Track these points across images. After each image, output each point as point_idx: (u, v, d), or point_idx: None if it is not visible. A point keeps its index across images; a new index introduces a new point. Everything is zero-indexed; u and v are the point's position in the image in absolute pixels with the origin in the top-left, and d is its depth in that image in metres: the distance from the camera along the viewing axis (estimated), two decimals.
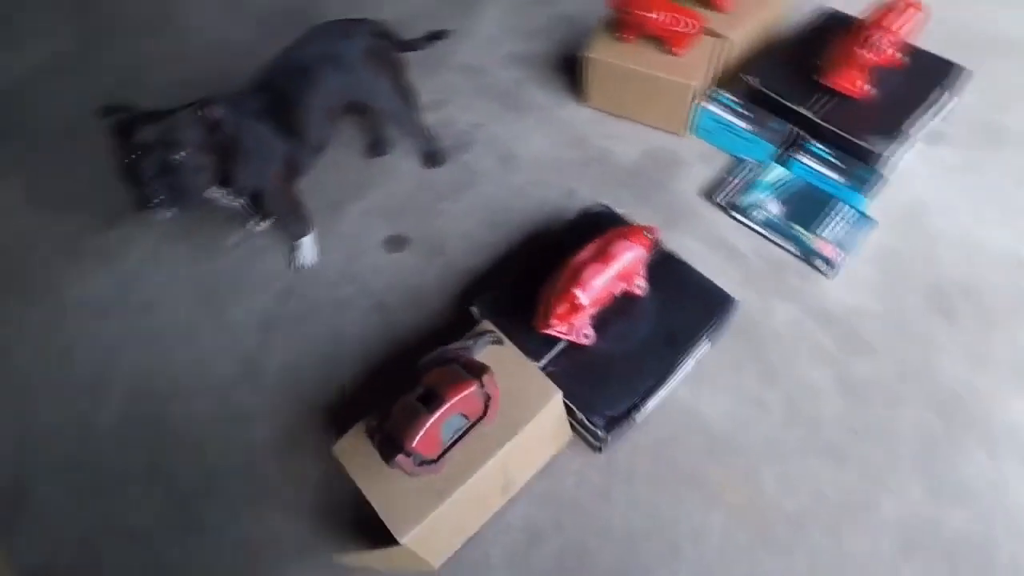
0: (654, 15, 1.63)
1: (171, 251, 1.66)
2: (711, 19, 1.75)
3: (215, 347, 1.50)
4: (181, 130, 1.14)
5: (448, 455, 1.07)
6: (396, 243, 1.64)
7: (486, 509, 1.23)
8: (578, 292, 1.17)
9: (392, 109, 1.55)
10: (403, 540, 1.04)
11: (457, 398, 1.01)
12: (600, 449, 1.29)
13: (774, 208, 1.57)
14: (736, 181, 1.65)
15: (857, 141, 1.57)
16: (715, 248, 1.58)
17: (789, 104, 1.64)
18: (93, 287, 1.61)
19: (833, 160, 1.59)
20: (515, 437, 1.12)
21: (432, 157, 1.76)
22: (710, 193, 1.66)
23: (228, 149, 1.24)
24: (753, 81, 1.69)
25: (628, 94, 1.77)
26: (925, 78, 1.66)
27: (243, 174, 1.28)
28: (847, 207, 1.55)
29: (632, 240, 1.22)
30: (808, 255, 1.51)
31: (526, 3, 2.24)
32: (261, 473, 1.33)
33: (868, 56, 1.55)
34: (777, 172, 1.63)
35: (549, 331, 1.22)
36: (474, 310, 1.35)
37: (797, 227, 1.53)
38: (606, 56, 1.72)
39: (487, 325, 1.27)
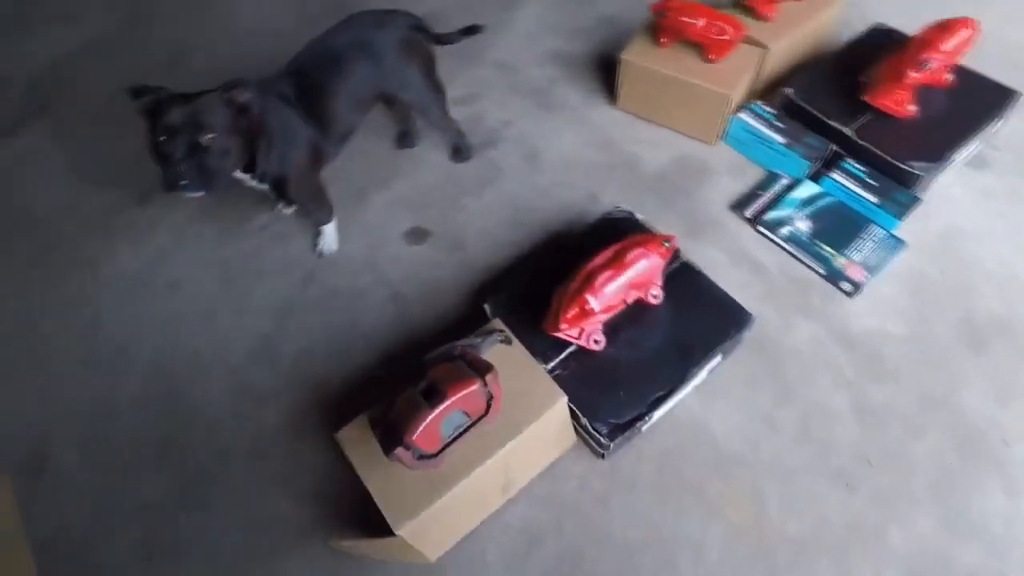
0: (694, 21, 1.60)
1: (198, 231, 1.70)
2: (754, 28, 1.71)
3: (234, 328, 1.53)
4: (209, 113, 1.16)
5: (448, 451, 1.08)
6: (417, 235, 1.66)
7: (485, 507, 1.23)
8: (589, 297, 1.16)
9: (421, 102, 1.55)
10: (399, 531, 1.05)
11: (459, 395, 1.02)
12: (603, 456, 1.29)
13: (802, 225, 1.53)
14: (766, 195, 1.61)
15: (896, 163, 1.52)
16: (738, 261, 1.55)
17: (827, 120, 1.60)
18: (122, 263, 1.66)
19: (868, 180, 1.55)
20: (517, 438, 1.12)
21: (459, 151, 1.76)
22: (738, 205, 1.63)
23: (254, 133, 1.26)
24: (792, 94, 1.65)
25: (661, 99, 1.74)
26: (974, 101, 1.60)
27: (268, 158, 1.30)
28: (878, 228, 1.50)
29: (648, 249, 1.20)
30: (833, 275, 1.47)
31: (569, 1, 2.22)
32: (269, 456, 1.36)
33: (916, 76, 1.50)
34: (809, 188, 1.59)
35: (558, 334, 1.22)
36: (487, 307, 1.35)
37: (824, 246, 1.49)
38: (641, 59, 1.70)
39: (497, 324, 1.27)
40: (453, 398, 1.02)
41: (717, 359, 1.30)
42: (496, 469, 1.14)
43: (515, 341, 1.24)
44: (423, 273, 1.59)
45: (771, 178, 1.65)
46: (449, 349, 1.17)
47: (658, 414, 1.26)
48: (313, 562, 1.23)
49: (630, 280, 1.19)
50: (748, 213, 1.59)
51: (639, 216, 1.46)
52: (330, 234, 1.61)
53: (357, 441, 1.15)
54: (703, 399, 1.36)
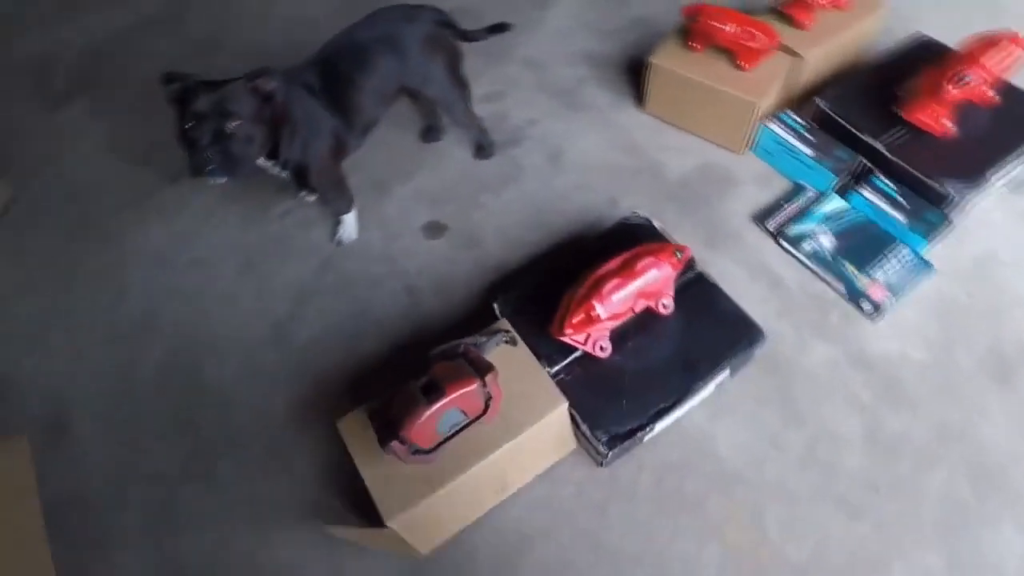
0: (726, 27, 1.57)
1: (224, 214, 1.74)
2: (789, 36, 1.67)
3: (252, 310, 1.56)
4: (234, 101, 1.18)
5: (444, 447, 1.08)
6: (435, 230, 1.66)
7: (480, 505, 1.24)
8: (596, 304, 1.15)
9: (444, 98, 1.56)
10: (390, 523, 1.06)
11: (457, 394, 1.02)
12: (603, 464, 1.28)
13: (826, 241, 1.49)
14: (790, 208, 1.57)
15: (929, 181, 1.46)
16: (757, 275, 1.52)
17: (859, 133, 1.55)
18: (150, 240, 1.71)
19: (898, 198, 1.50)
20: (514, 440, 1.12)
21: (481, 148, 1.76)
22: (761, 217, 1.59)
23: (278, 121, 1.28)
24: (823, 104, 1.60)
25: (689, 104, 1.71)
26: (1018, 120, 1.53)
27: (290, 146, 1.32)
28: (906, 249, 1.45)
29: (660, 258, 1.19)
30: (854, 295, 1.43)
31: (603, 1, 2.20)
32: (276, 437, 1.38)
33: (954, 91, 1.44)
34: (835, 204, 1.54)
35: (563, 339, 1.21)
36: (496, 306, 1.35)
37: (848, 264, 1.45)
38: (670, 63, 1.67)
39: (504, 324, 1.27)
40: (451, 396, 1.02)
41: (725, 374, 1.28)
42: (492, 469, 1.14)
43: (520, 342, 1.24)
44: (438, 267, 1.60)
45: (797, 190, 1.61)
46: (453, 346, 1.17)
47: (660, 426, 1.24)
48: (309, 545, 1.25)
49: (639, 289, 1.18)
50: (770, 226, 1.55)
51: (656, 223, 1.44)
52: (350, 223, 1.63)
53: (357, 431, 1.16)
54: (710, 413, 1.34)
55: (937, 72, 1.48)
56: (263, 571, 1.23)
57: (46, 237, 1.74)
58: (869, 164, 1.55)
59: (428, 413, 1.01)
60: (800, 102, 1.74)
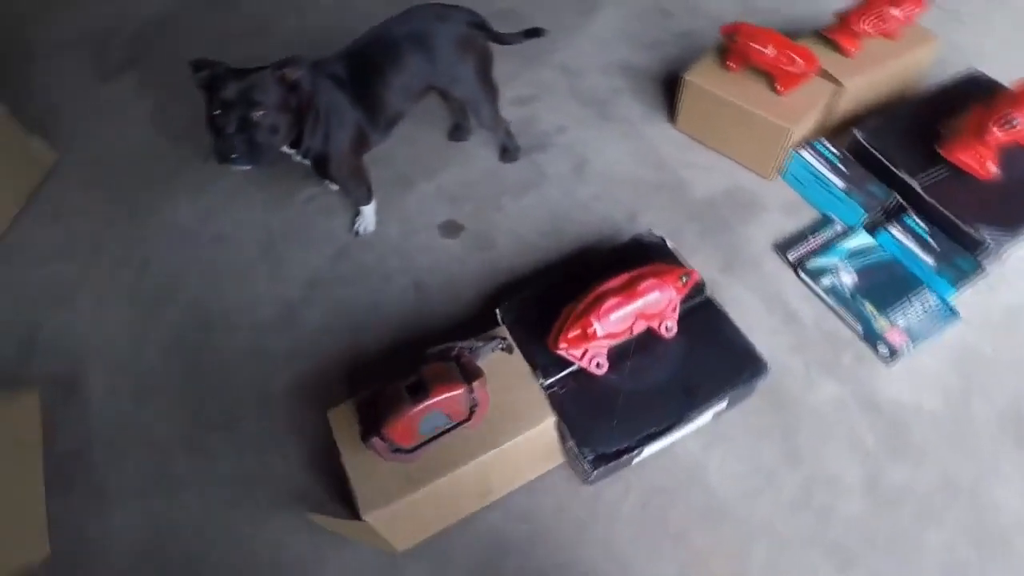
0: (763, 49, 1.53)
1: (250, 195, 1.78)
2: (831, 62, 1.62)
3: (265, 291, 1.60)
4: (260, 90, 1.21)
5: (426, 449, 1.09)
6: (451, 229, 1.67)
7: (460, 509, 1.24)
8: (593, 321, 1.13)
9: (472, 99, 1.56)
10: (366, 516, 1.07)
11: (441, 397, 1.02)
12: (589, 481, 1.26)
13: (847, 278, 1.43)
14: (814, 240, 1.52)
15: (964, 226, 1.39)
16: (772, 306, 1.47)
17: (895, 169, 1.49)
18: (178, 213, 1.77)
19: (929, 240, 1.43)
20: (497, 449, 1.12)
21: (506, 152, 1.76)
22: (783, 247, 1.55)
23: (303, 110, 1.30)
24: (860, 136, 1.54)
25: (721, 124, 1.67)
26: None
27: (312, 136, 1.35)
28: (931, 294, 1.39)
29: (664, 281, 1.16)
30: (871, 336, 1.37)
31: (650, 12, 2.17)
32: (274, 417, 1.41)
33: (1000, 134, 1.37)
34: (862, 240, 1.48)
35: (559, 352, 1.20)
36: (498, 312, 1.35)
37: (867, 304, 1.39)
38: (705, 81, 1.64)
39: (503, 331, 1.26)
40: (435, 399, 1.03)
41: (722, 405, 1.24)
42: (474, 475, 1.14)
43: (516, 351, 1.23)
44: (449, 266, 1.60)
45: (824, 222, 1.56)
46: (448, 348, 1.17)
47: (650, 450, 1.22)
48: (293, 527, 1.27)
49: (638, 310, 1.16)
50: (791, 256, 1.51)
51: (670, 243, 1.41)
52: (369, 215, 1.65)
53: (347, 421, 1.17)
54: (705, 442, 1.31)
55: (985, 112, 1.41)
56: (246, 547, 1.26)
57: (83, 203, 1.81)
58: (902, 202, 1.49)
59: (410, 413, 1.02)
60: (837, 131, 1.68)
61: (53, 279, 1.66)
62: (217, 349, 1.52)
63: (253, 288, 1.61)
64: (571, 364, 1.24)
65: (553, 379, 1.24)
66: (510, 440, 1.12)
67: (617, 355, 1.25)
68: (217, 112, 1.21)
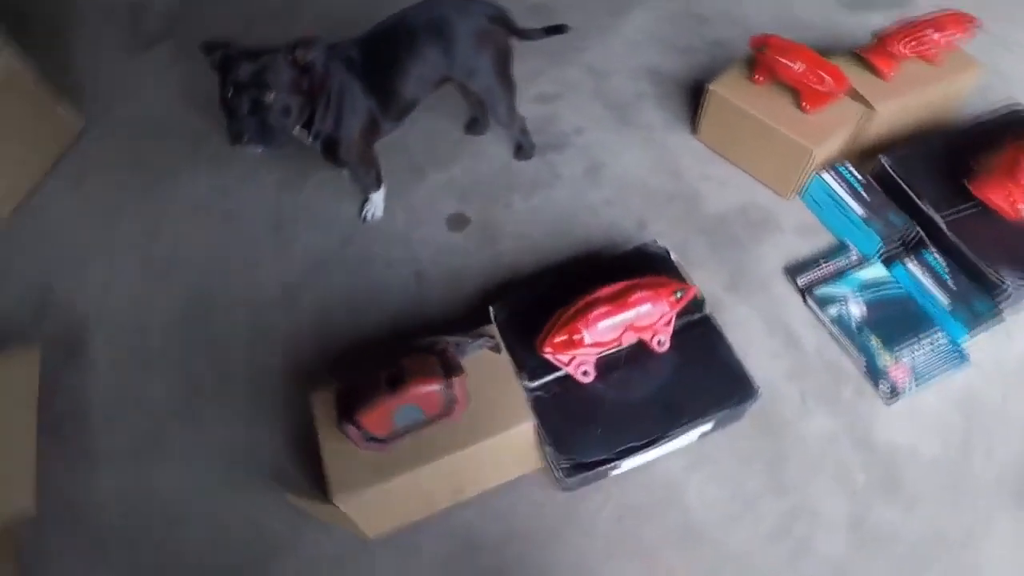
0: (792, 64, 1.48)
1: (265, 175, 1.79)
2: (864, 83, 1.56)
3: (269, 270, 1.61)
4: (272, 72, 1.21)
5: (401, 440, 1.09)
6: (458, 222, 1.66)
7: (432, 503, 1.24)
8: (581, 328, 1.12)
9: (488, 94, 1.54)
10: (335, 500, 1.08)
11: (417, 390, 1.02)
12: (566, 488, 1.25)
13: (855, 309, 1.39)
14: (826, 266, 1.47)
15: (984, 267, 1.33)
16: (773, 330, 1.43)
17: (918, 200, 1.43)
18: (195, 187, 1.79)
19: (946, 278, 1.37)
20: (473, 447, 1.11)
21: (521, 149, 1.74)
22: (793, 270, 1.50)
23: (315, 92, 1.30)
24: (887, 162, 1.49)
25: (742, 138, 1.63)
26: None
27: (323, 119, 1.35)
28: (942, 335, 1.33)
29: (657, 294, 1.14)
30: (874, 372, 1.33)
31: (684, 16, 2.12)
32: (265, 394, 1.42)
33: None
34: (876, 271, 1.43)
35: (546, 356, 1.18)
36: (492, 310, 1.34)
37: (873, 338, 1.34)
38: (729, 93, 1.59)
39: (492, 330, 1.25)
40: (411, 392, 1.03)
41: (708, 426, 1.22)
42: (447, 471, 1.14)
43: (504, 352, 1.23)
44: (452, 259, 1.60)
45: (839, 249, 1.51)
46: (434, 341, 1.17)
47: (628, 464, 1.20)
48: (272, 503, 1.28)
49: (628, 322, 1.13)
50: (800, 281, 1.46)
51: (674, 256, 1.38)
52: (377, 202, 1.65)
53: (328, 406, 1.18)
54: (689, 463, 1.28)
55: (1021, 150, 1.34)
56: (225, 520, 1.28)
57: (105, 171, 1.84)
58: (923, 236, 1.43)
59: (385, 404, 1.02)
60: (865, 155, 1.62)
61: (69, 244, 1.70)
62: (218, 324, 1.54)
63: (258, 267, 1.63)
64: (559, 370, 1.23)
65: (538, 382, 1.23)
66: (485, 440, 1.12)
67: (607, 365, 1.23)
68: (230, 94, 1.22)
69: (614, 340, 1.17)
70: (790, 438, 1.31)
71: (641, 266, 1.34)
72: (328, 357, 1.46)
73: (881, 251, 1.45)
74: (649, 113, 1.85)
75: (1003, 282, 1.31)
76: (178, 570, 1.24)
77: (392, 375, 1.05)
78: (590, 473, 1.17)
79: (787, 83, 1.53)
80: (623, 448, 1.17)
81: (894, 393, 1.30)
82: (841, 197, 1.50)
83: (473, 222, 1.66)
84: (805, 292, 1.45)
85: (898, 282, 1.41)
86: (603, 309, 1.12)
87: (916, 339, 1.33)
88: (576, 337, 1.13)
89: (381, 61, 1.38)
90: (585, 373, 1.21)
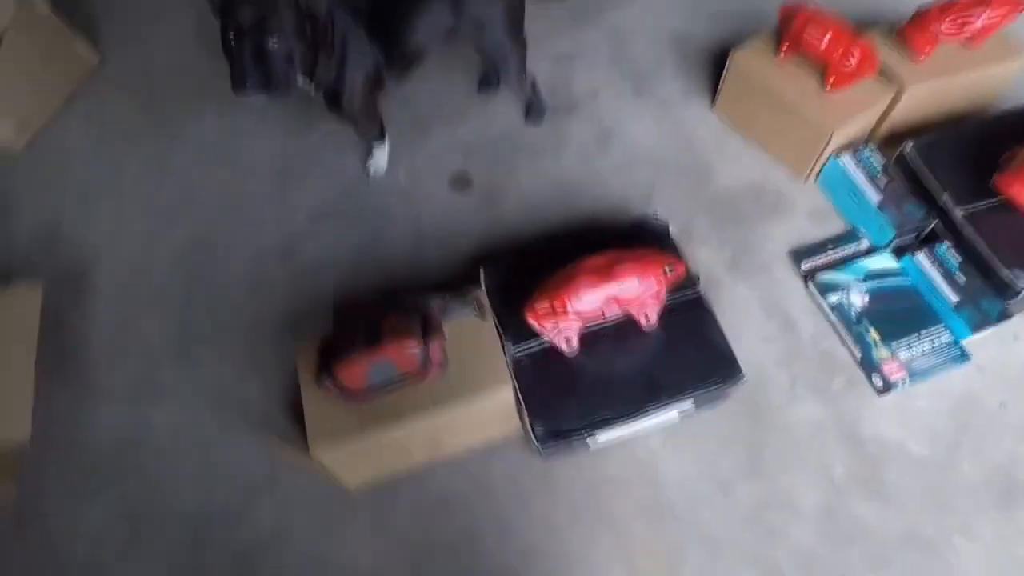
0: (820, 39, 1.40)
1: (271, 120, 1.77)
2: (897, 63, 1.47)
3: (271, 218, 1.62)
4: (277, 16, 1.17)
5: (379, 396, 1.10)
6: (460, 182, 1.64)
7: (409, 457, 1.26)
8: (564, 297, 1.10)
9: (497, 52, 1.49)
10: (313, 451, 1.11)
11: (392, 348, 1.03)
12: (542, 455, 1.26)
13: (857, 299, 1.34)
14: (833, 252, 1.43)
15: (998, 266, 1.27)
16: (771, 313, 1.40)
17: (938, 190, 1.36)
18: (203, 129, 1.79)
19: (956, 274, 1.32)
20: (450, 406, 1.12)
21: (530, 112, 1.70)
22: (798, 255, 1.45)
23: (319, 41, 1.28)
24: (911, 150, 1.41)
25: (760, 114, 1.56)
26: None
27: (326, 69, 1.32)
28: (945, 332, 1.29)
29: (645, 268, 1.11)
30: (868, 365, 1.29)
31: None
32: (258, 341, 1.45)
33: None
34: (884, 261, 1.38)
35: (529, 322, 1.17)
36: (482, 273, 1.33)
37: (871, 330, 1.31)
38: (752, 63, 1.52)
39: (480, 295, 1.25)
40: (385, 348, 1.03)
41: (687, 405, 1.20)
42: (424, 428, 1.15)
43: (489, 317, 1.22)
44: (451, 219, 1.58)
45: (848, 236, 1.45)
46: (417, 299, 1.17)
47: (605, 437, 1.20)
48: (256, 448, 1.32)
49: (613, 295, 1.12)
50: (804, 266, 1.42)
51: (674, 231, 1.35)
52: (380, 156, 1.64)
53: (311, 359, 1.19)
54: (666, 440, 1.28)
55: None
56: (211, 459, 1.33)
57: (117, 109, 1.85)
58: (939, 228, 1.36)
59: (360, 359, 1.03)
60: (891, 140, 1.53)
61: (79, 181, 1.72)
62: (217, 267, 1.56)
63: (260, 214, 1.63)
64: (542, 338, 1.22)
65: (522, 347, 1.23)
66: (464, 400, 1.13)
67: (593, 337, 1.22)
68: (231, 38, 1.18)
69: (597, 311, 1.16)
70: (773, 424, 1.29)
71: (639, 239, 1.31)
72: (321, 309, 1.47)
73: (892, 241, 1.39)
74: (668, 82, 1.78)
75: (1015, 282, 1.25)
76: (163, 501, 1.29)
77: (370, 332, 1.06)
78: (563, 442, 1.17)
79: (812, 58, 1.45)
80: (597, 419, 1.17)
81: (887, 387, 1.26)
82: (856, 181, 1.43)
83: (476, 183, 1.64)
84: (807, 277, 1.40)
85: (906, 274, 1.36)
86: (588, 279, 1.11)
87: (916, 334, 1.29)
88: (558, 306, 1.11)
89: (388, 12, 1.34)
90: (568, 342, 1.20)
